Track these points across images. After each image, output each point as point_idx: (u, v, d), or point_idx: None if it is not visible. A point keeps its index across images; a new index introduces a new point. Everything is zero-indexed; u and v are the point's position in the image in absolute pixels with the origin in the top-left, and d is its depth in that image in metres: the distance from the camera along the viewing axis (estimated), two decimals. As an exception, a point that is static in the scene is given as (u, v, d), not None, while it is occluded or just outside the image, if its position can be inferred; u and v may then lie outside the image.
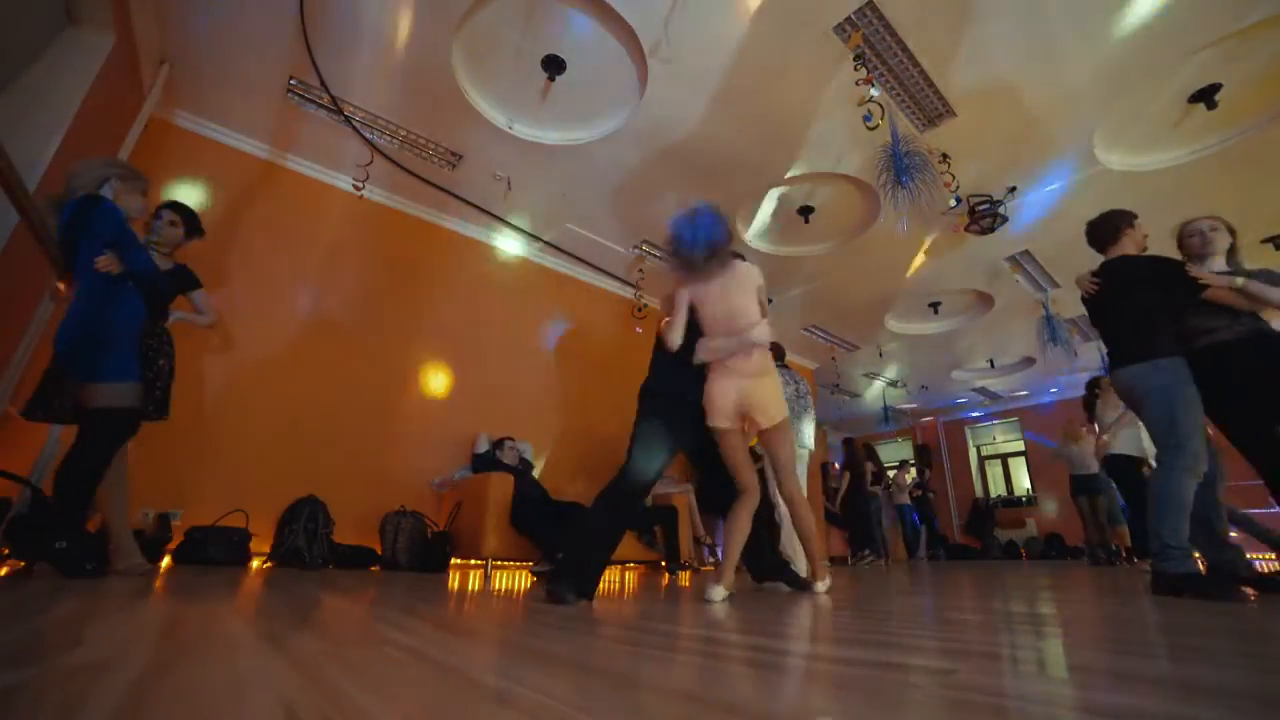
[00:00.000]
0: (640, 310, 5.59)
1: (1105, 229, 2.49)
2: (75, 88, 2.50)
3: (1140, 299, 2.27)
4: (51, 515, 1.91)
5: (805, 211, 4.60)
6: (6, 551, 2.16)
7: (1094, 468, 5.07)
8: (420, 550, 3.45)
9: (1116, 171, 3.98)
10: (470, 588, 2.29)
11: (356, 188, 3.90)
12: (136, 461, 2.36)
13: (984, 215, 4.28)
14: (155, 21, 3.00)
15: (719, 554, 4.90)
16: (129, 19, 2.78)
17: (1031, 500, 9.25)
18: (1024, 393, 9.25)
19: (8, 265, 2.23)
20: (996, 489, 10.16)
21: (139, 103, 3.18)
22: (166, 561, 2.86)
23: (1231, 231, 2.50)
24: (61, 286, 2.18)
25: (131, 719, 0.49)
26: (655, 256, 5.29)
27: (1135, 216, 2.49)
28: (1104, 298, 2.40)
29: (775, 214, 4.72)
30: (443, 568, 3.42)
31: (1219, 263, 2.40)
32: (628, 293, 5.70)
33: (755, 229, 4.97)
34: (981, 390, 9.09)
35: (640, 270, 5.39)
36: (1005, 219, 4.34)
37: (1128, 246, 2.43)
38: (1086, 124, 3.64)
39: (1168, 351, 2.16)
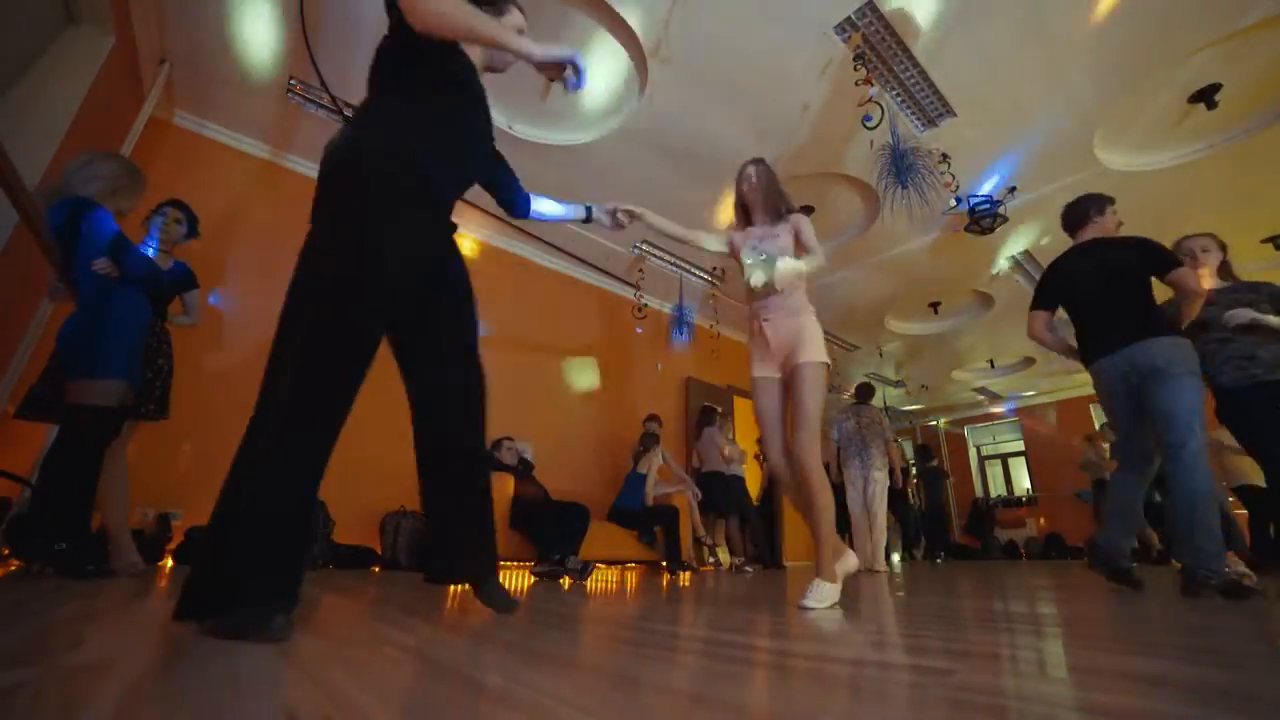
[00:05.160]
0: (640, 310, 5.58)
1: (1077, 212, 2.46)
2: (75, 88, 2.50)
3: (1132, 278, 2.20)
4: (38, 516, 1.90)
5: (805, 211, 4.60)
6: (7, 551, 2.16)
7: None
8: (420, 550, 3.44)
9: (1116, 171, 3.98)
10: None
11: (356, 188, 3.89)
12: (136, 461, 2.36)
13: (984, 215, 4.28)
14: (155, 21, 2.99)
15: (718, 554, 4.90)
16: (129, 19, 2.77)
17: (1032, 500, 9.25)
18: (1024, 393, 9.24)
19: (8, 265, 2.23)
20: (997, 489, 10.16)
21: (139, 103, 3.18)
22: (167, 562, 2.86)
23: (1223, 248, 2.53)
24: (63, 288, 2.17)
25: (131, 719, 0.49)
26: (655, 257, 5.29)
27: (1111, 201, 2.45)
28: (1088, 277, 2.31)
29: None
30: (443, 568, 3.42)
31: (1210, 281, 2.48)
32: (628, 293, 5.69)
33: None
34: (981, 390, 9.09)
35: (640, 270, 5.38)
36: (1005, 219, 4.34)
37: (1106, 229, 2.39)
38: (1086, 124, 3.64)
39: (1174, 329, 2.12)
